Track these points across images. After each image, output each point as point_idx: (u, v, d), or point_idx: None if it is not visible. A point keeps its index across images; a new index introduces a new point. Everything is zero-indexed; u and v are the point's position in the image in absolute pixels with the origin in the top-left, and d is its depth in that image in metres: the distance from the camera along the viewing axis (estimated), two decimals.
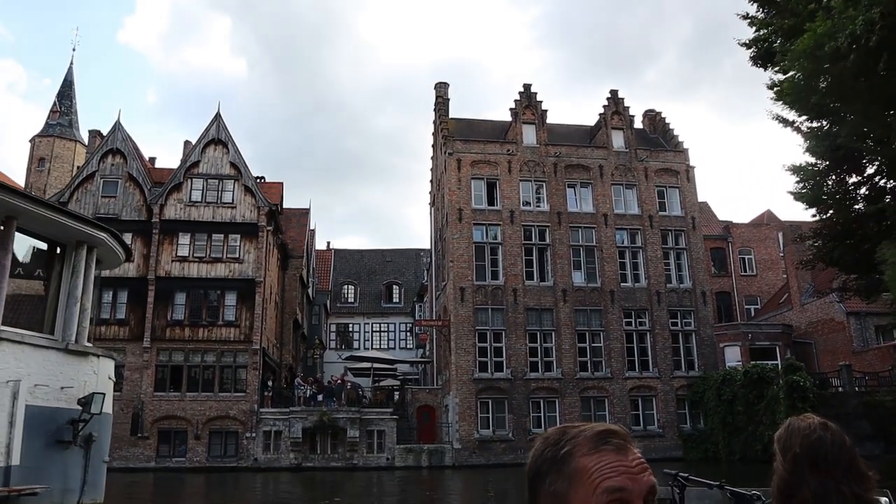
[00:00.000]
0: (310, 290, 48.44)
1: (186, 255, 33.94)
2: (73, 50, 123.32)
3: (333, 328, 55.83)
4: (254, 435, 31.75)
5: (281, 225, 38.74)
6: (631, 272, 36.15)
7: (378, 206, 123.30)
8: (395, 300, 56.91)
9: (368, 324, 55.99)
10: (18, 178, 52.98)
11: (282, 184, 40.81)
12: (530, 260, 35.52)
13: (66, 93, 57.56)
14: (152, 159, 41.73)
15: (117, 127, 35.94)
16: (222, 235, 34.21)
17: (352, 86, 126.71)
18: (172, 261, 33.83)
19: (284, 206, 44.67)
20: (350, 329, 55.84)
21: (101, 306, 33.31)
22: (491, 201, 36.17)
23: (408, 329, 53.47)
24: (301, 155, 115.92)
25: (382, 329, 55.50)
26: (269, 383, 32.91)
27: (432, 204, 43.25)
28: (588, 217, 36.46)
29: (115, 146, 35.45)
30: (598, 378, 34.06)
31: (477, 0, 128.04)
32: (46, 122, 56.01)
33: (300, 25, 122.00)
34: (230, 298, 33.56)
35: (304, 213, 46.08)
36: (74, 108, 56.15)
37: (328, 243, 62.06)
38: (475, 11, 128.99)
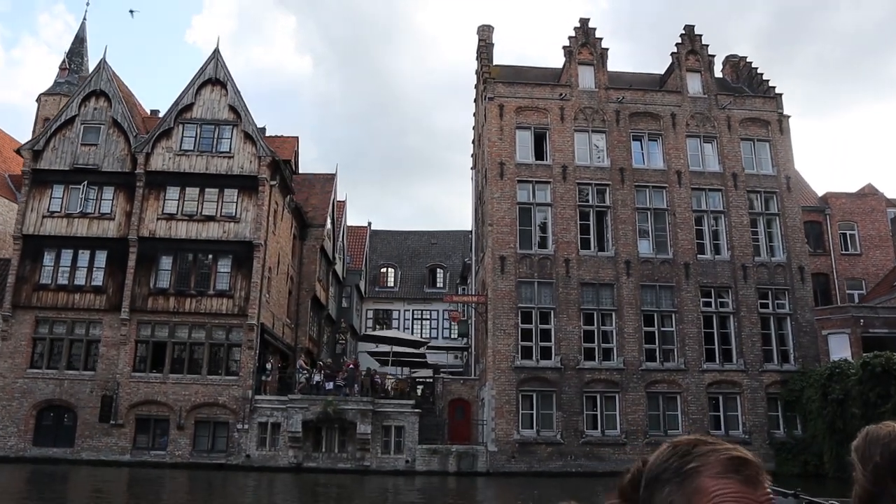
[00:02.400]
0: (338, 268, 42.76)
1: (174, 212, 28.62)
2: (87, 4, 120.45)
3: (370, 314, 50.17)
4: (246, 427, 26.25)
5: (292, 186, 33.15)
6: (710, 242, 29.52)
7: (439, 205, 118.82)
8: (438, 285, 50.94)
9: (409, 310, 50.16)
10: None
11: (296, 139, 35.19)
12: (586, 225, 29.22)
13: (76, 49, 53.30)
14: (155, 112, 36.58)
15: (102, 65, 30.87)
16: (216, 190, 28.81)
17: (414, 82, 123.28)
18: (158, 219, 28.56)
19: (336, 193, 39.26)
20: (388, 315, 50.08)
21: (75, 271, 28.28)
22: (539, 155, 29.99)
23: (450, 315, 47.59)
24: (363, 153, 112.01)
25: (424, 316, 49.56)
26: (268, 366, 27.35)
27: (474, 167, 37.20)
28: (657, 175, 29.95)
29: (98, 87, 30.37)
30: (668, 370, 27.57)
31: None
32: (55, 81, 51.82)
33: (363, 21, 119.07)
34: (223, 264, 28.13)
35: (329, 179, 40.45)
36: (86, 65, 51.76)
37: (369, 223, 56.45)
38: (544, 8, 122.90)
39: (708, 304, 28.68)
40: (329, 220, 39.35)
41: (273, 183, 29.25)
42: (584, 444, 26.47)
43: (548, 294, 28.15)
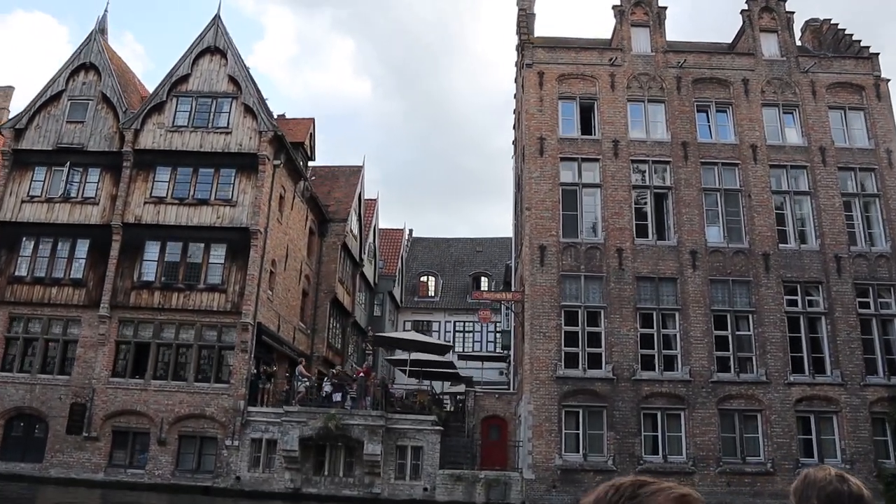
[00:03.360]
0: (368, 272, 38.69)
1: (164, 195, 25.02)
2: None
3: (408, 325, 45.97)
4: (237, 443, 22.22)
5: (305, 171, 29.24)
6: (794, 228, 24.46)
7: (497, 226, 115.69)
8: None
9: (450, 322, 45.83)
10: None
11: (312, 120, 31.34)
12: (643, 210, 24.54)
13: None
14: None
15: (94, 36, 27.71)
16: (211, 170, 25.11)
17: (469, 102, 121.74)
18: (145, 203, 24.98)
19: (363, 187, 35.59)
20: (428, 327, 45.79)
21: (54, 262, 24.86)
22: (586, 129, 25.50)
23: (496, 328, 43.02)
24: (422, 174, 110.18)
25: (467, 328, 45.10)
26: (262, 371, 23.26)
27: (515, 155, 32.85)
28: (728, 150, 25.11)
29: (88, 60, 27.18)
30: (745, 383, 22.55)
31: None
32: None
33: (418, 42, 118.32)
34: (217, 254, 24.32)
35: (354, 172, 36.52)
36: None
37: (411, 231, 52.59)
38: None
39: (793, 303, 23.56)
40: (354, 217, 35.39)
41: (277, 163, 25.41)
42: (641, 472, 21.56)
43: (597, 290, 23.49)
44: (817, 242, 24.14)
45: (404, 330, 45.27)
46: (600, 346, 22.96)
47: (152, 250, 24.47)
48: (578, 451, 22.03)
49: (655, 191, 24.66)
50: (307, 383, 22.68)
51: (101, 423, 22.95)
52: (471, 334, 45.17)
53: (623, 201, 24.24)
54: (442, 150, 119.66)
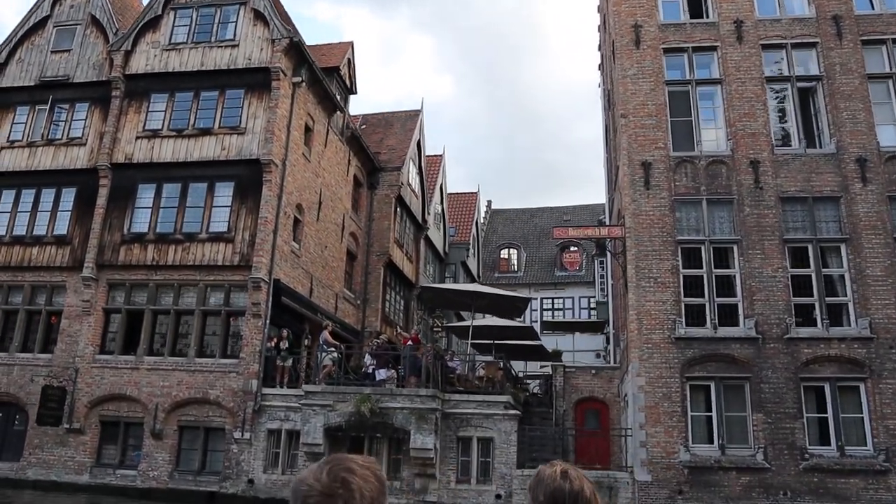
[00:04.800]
0: (434, 238, 32.94)
1: (159, 127, 20.04)
2: None
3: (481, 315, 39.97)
4: (248, 436, 16.94)
5: (341, 103, 23.68)
6: None
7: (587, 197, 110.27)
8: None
9: (536, 298, 39.55)
10: None
11: (350, 44, 25.71)
12: (783, 108, 17.94)
13: None
14: None
15: None
16: (215, 92, 19.96)
17: (553, 96, 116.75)
18: (138, 138, 20.06)
19: (422, 134, 30.27)
20: None
21: (36, 216, 20.30)
22: (695, 10, 19.01)
23: (590, 305, 36.60)
24: (505, 170, 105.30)
25: (556, 305, 38.69)
26: (280, 342, 17.78)
27: (601, 65, 26.52)
28: None
29: None
30: None
31: None
32: None
33: (499, 37, 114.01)
34: (222, 195, 19.13)
35: (411, 117, 30.82)
36: None
37: (489, 203, 46.97)
38: None
39: None
40: (413, 168, 29.72)
41: (297, 80, 19.99)
42: (807, 470, 15.08)
43: (725, 218, 17.03)
44: None
45: (467, 324, 39.35)
46: (735, 295, 16.51)
47: (146, 195, 19.54)
48: (713, 442, 15.69)
49: (799, 83, 17.92)
50: (334, 355, 17.10)
51: (86, 412, 18.14)
52: (560, 312, 38.72)
53: (754, 98, 17.65)
54: (525, 146, 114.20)
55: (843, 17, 18.09)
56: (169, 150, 19.61)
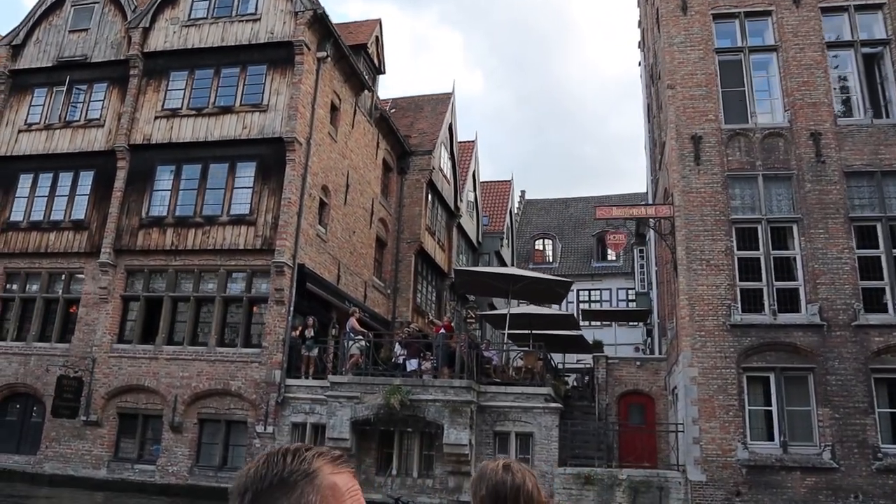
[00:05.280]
0: (466, 226, 31.77)
1: (178, 106, 19.17)
2: None
3: (516, 303, 38.76)
4: (271, 429, 15.99)
5: (368, 82, 22.58)
6: None
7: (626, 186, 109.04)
8: (610, 258, 38.78)
9: (572, 290, 38.26)
10: None
11: (377, 21, 24.60)
12: (845, 76, 16.48)
13: None
14: None
15: None
16: (236, 69, 19.03)
17: (584, 90, 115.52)
18: (156, 118, 19.22)
19: (454, 117, 29.10)
20: None
21: (54, 201, 19.60)
22: None
23: (628, 297, 35.21)
24: (535, 167, 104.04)
25: (593, 298, 37.36)
26: (305, 330, 16.77)
27: (641, 41, 25.20)
28: None
29: None
30: None
31: None
32: None
33: (530, 31, 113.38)
34: (243, 175, 18.20)
35: (444, 100, 29.66)
36: None
37: (522, 193, 45.84)
38: None
39: None
40: (444, 153, 28.60)
41: (322, 55, 18.98)
42: (880, 471, 13.70)
43: (784, 195, 15.66)
44: None
45: (503, 312, 38.20)
46: (796, 279, 15.15)
47: (165, 177, 18.70)
48: (773, 439, 14.37)
49: (864, 49, 16.47)
50: (361, 343, 16.05)
51: (104, 404, 17.35)
52: (597, 304, 37.33)
53: (814, 66, 16.22)
54: (555, 140, 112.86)
55: None
56: (188, 130, 18.74)
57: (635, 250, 32.64)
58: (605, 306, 36.21)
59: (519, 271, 19.95)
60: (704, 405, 14.53)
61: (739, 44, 16.86)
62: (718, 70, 16.64)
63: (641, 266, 30.70)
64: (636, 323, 33.13)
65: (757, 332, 14.78)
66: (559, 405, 15.43)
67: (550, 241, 40.68)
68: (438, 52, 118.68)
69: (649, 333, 28.52)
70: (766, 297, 15.04)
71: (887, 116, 15.88)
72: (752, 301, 15.12)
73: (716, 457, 14.23)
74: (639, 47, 25.35)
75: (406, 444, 15.34)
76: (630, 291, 36.28)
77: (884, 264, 14.92)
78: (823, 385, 14.26)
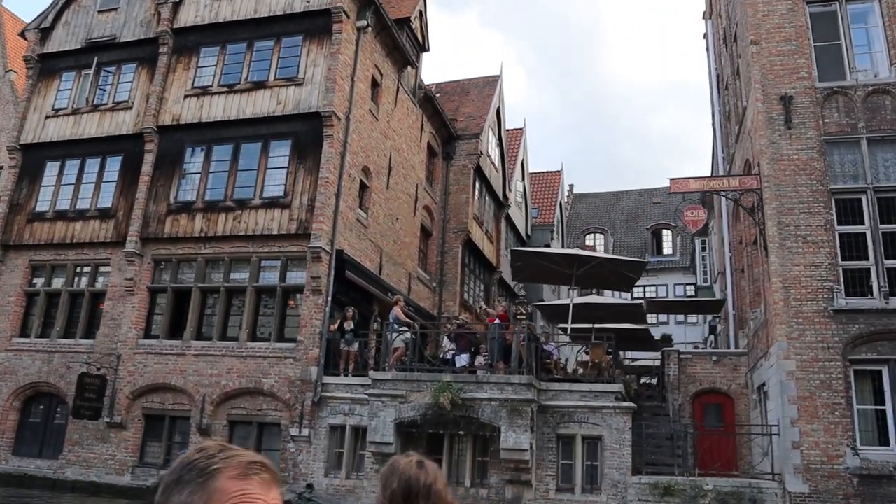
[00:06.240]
0: (515, 218, 29.99)
1: (209, 83, 17.86)
2: None
3: (574, 293, 36.69)
4: (307, 433, 14.39)
5: (412, 57, 20.94)
6: None
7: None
8: (666, 251, 36.71)
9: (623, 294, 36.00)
10: None
11: None
12: None
13: None
14: None
15: None
16: (271, 42, 17.63)
17: (626, 88, 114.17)
18: (186, 97, 17.94)
19: (502, 102, 27.67)
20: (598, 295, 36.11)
21: (80, 189, 18.50)
22: None
23: (686, 293, 33.07)
24: (578, 169, 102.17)
25: (649, 294, 35.18)
26: (345, 322, 15.14)
27: (708, 15, 23.13)
28: None
29: None
30: None
31: None
32: None
33: (572, 30, 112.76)
34: (278, 154, 16.74)
35: (490, 83, 27.95)
36: None
37: (570, 186, 44.13)
38: None
39: None
40: (493, 138, 26.89)
41: (362, 24, 17.48)
42: None
43: (893, 161, 13.49)
44: None
45: (565, 302, 36.10)
46: None
47: (194, 160, 17.39)
48: (889, 444, 12.20)
49: None
50: (406, 335, 14.35)
51: (128, 404, 16.02)
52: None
53: None
54: (598, 139, 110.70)
55: None
56: (219, 108, 17.40)
57: (696, 241, 30.43)
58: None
59: (586, 252, 18.01)
60: (804, 404, 12.45)
61: None
62: (809, 24, 14.56)
63: (703, 258, 28.52)
64: (696, 321, 30.87)
65: (865, 318, 12.65)
66: (632, 405, 13.49)
67: (602, 236, 38.64)
68: (479, 53, 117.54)
69: (713, 330, 26.29)
70: (874, 278, 12.89)
71: None
72: (857, 283, 12.99)
73: (819, 464, 12.14)
74: (704, 18, 23.25)
75: (457, 448, 13.59)
76: (689, 287, 34.01)
77: None
78: None
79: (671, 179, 14.60)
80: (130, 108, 18.65)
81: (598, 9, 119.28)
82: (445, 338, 15.53)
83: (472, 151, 23.99)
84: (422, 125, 22.08)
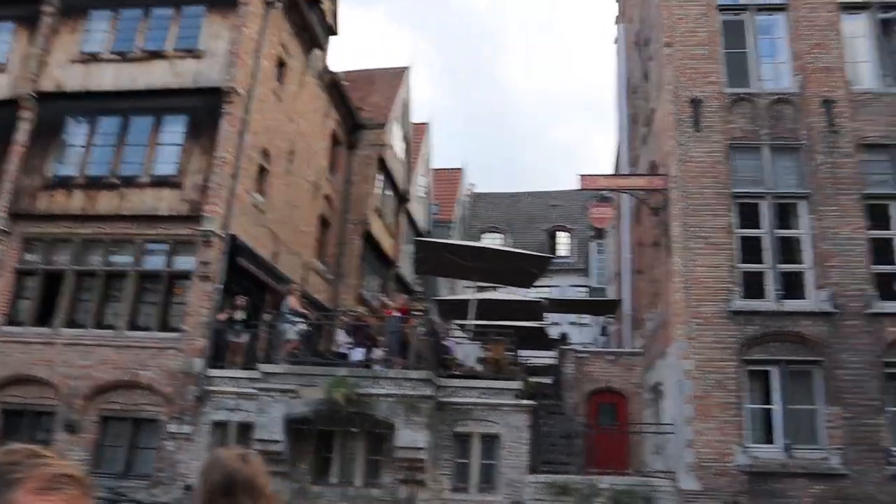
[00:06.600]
0: (415, 213, 29.31)
1: (98, 49, 16.43)
2: None
3: (470, 292, 36.37)
4: (188, 429, 13.33)
5: (321, 38, 20.06)
6: None
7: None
8: (561, 253, 36.94)
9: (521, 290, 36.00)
10: None
11: None
12: (859, 42, 14.81)
13: None
14: None
15: None
16: (170, 9, 16.40)
17: (529, 94, 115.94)
18: (72, 62, 16.43)
19: (409, 93, 27.17)
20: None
21: None
22: None
23: (578, 295, 33.44)
24: (480, 169, 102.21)
25: (543, 296, 35.26)
26: (235, 312, 14.17)
27: (621, 17, 23.34)
28: None
29: None
30: None
31: None
32: None
33: (478, 34, 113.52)
34: (172, 130, 15.55)
35: (399, 74, 27.36)
36: None
37: (471, 185, 43.93)
38: None
39: None
40: (398, 131, 26.27)
41: None
42: (892, 477, 11.84)
43: (791, 168, 13.83)
44: None
45: (465, 298, 35.77)
46: (802, 261, 13.29)
47: (78, 131, 15.92)
48: (775, 443, 12.40)
49: (880, 13, 14.82)
50: (301, 326, 13.55)
51: None
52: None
53: (827, 27, 14.50)
54: (499, 145, 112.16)
55: None
56: (109, 77, 16.03)
57: (593, 244, 30.87)
58: None
59: (494, 245, 17.69)
60: (700, 403, 12.51)
61: (745, 1, 15.03)
62: (721, 29, 14.79)
63: (600, 260, 28.92)
64: (588, 321, 31.16)
65: (761, 319, 12.85)
66: (532, 402, 13.19)
67: (500, 236, 38.75)
68: (386, 49, 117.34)
69: (605, 331, 26.65)
70: (769, 280, 13.12)
71: None
72: (754, 285, 13.19)
73: (712, 462, 12.20)
74: (616, 22, 23.51)
75: (348, 446, 12.87)
76: (582, 289, 34.45)
77: None
78: (833, 381, 12.39)
79: (582, 176, 14.48)
80: (4, 71, 16.93)
81: (505, 14, 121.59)
82: (341, 331, 14.81)
83: (376, 142, 23.31)
84: (327, 112, 21.25)
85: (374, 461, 12.75)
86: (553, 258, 17.52)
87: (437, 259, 16.39)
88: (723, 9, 14.92)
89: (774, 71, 14.59)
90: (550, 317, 23.69)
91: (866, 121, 13.77)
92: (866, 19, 14.71)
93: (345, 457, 12.87)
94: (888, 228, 13.34)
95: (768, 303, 12.96)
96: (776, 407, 12.56)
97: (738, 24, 14.95)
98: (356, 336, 14.22)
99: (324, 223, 21.11)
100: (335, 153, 22.15)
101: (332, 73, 21.00)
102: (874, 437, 12.05)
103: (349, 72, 26.36)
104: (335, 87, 21.33)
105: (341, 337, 14.49)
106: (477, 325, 16.90)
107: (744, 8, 14.97)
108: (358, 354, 13.77)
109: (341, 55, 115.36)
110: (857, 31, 14.71)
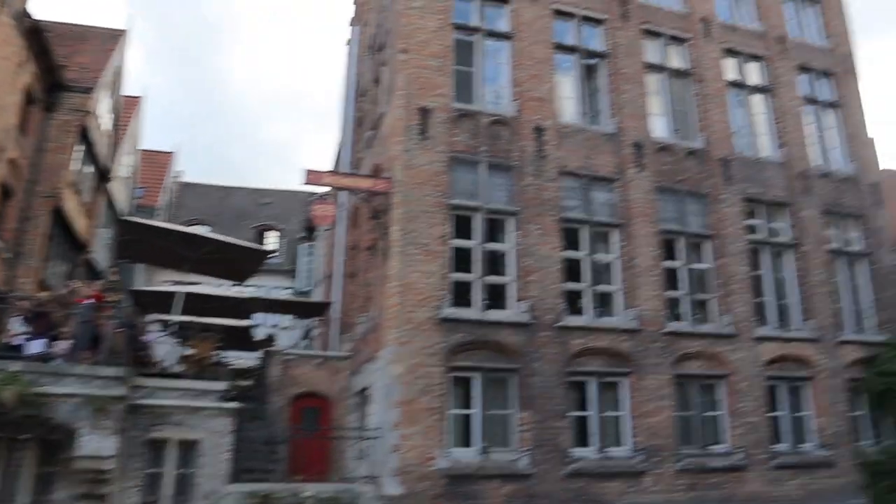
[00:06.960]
0: (116, 194, 25.96)
1: None
2: None
3: (171, 286, 32.95)
4: None
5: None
6: (751, 130, 18.02)
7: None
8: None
9: (227, 285, 33.83)
10: None
11: None
12: (569, 81, 16.52)
13: None
14: None
15: None
16: None
17: (247, 85, 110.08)
18: None
19: (123, 60, 23.38)
20: (198, 295, 32.92)
21: None
22: None
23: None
24: (191, 156, 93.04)
25: (249, 295, 33.33)
26: None
27: (356, 20, 23.13)
28: (674, 19, 18.03)
29: None
30: (706, 335, 15.39)
31: None
32: None
33: (200, 22, 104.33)
34: None
35: (115, 37, 23.91)
36: None
37: (178, 173, 40.33)
38: None
39: (753, 229, 16.99)
40: (107, 99, 23.09)
41: None
42: (571, 475, 13.35)
43: (503, 186, 14.88)
44: (780, 153, 17.87)
45: (164, 289, 32.89)
46: (507, 274, 14.40)
47: None
48: (472, 446, 13.22)
49: (584, 58, 16.70)
50: None
51: None
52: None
53: (543, 62, 15.94)
54: (211, 134, 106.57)
55: (629, 1, 17.32)
56: None
57: (302, 246, 30.52)
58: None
59: (211, 234, 16.28)
60: (407, 408, 12.78)
61: (478, 24, 15.87)
62: (454, 48, 15.39)
63: (308, 262, 28.72)
64: (290, 324, 30.54)
65: (467, 327, 13.57)
66: (235, 405, 12.39)
67: (209, 229, 36.76)
68: (100, 15, 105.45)
69: (308, 335, 26.28)
70: (476, 290, 13.96)
71: (602, 124, 16.12)
72: (464, 294, 13.93)
73: (415, 467, 12.55)
74: (351, 24, 23.36)
75: (15, 457, 10.88)
76: (287, 291, 33.91)
77: (585, 269, 14.93)
78: (527, 388, 13.59)
79: (307, 171, 14.00)
80: None
81: (232, 7, 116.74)
82: (17, 319, 12.52)
83: (80, 107, 20.24)
84: (22, 62, 17.94)
85: (46, 474, 10.92)
86: (271, 253, 16.68)
87: (147, 244, 14.63)
88: (457, 27, 15.56)
89: (496, 93, 15.59)
90: (254, 317, 22.73)
91: (569, 151, 15.39)
92: (574, 61, 16.46)
93: (8, 470, 10.84)
94: (578, 249, 15.03)
95: (475, 312, 13.75)
96: (476, 411, 13.36)
97: (469, 43, 15.71)
98: (36, 325, 12.09)
99: (5, 192, 17.76)
100: (28, 112, 18.74)
101: (34, 19, 17.75)
102: (557, 439, 13.41)
103: (57, 23, 22.72)
104: (36, 36, 18.05)
105: (16, 326, 12.23)
106: (181, 321, 15.49)
107: (475, 30, 15.78)
108: (37, 347, 11.71)
109: (49, 3, 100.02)
110: (567, 70, 16.38)
